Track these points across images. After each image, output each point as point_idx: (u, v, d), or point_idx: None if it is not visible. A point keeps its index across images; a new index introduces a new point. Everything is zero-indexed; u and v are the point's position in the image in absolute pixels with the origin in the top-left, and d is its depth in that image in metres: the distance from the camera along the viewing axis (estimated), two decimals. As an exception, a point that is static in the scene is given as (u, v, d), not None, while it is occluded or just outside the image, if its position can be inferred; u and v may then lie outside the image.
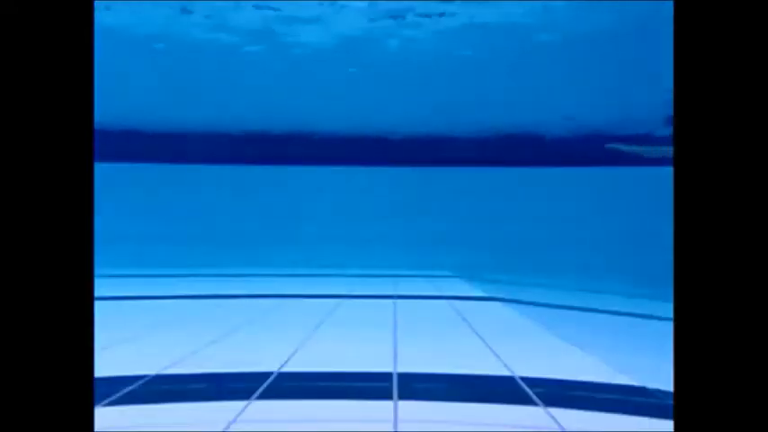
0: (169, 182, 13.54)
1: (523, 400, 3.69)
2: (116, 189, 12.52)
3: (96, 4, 2.11)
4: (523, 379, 4.14)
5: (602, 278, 11.76)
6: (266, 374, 4.12)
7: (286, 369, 4.34)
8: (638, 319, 7.84)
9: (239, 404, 3.44)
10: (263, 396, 3.65)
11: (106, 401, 3.47)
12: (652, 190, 14.03)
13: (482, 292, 9.95)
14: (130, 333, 5.74)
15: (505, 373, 4.35)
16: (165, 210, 14.29)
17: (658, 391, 3.92)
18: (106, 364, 4.06)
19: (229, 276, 11.95)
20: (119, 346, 5.12)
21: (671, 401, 2.72)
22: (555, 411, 3.42)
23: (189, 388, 3.94)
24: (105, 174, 6.20)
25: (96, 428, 2.02)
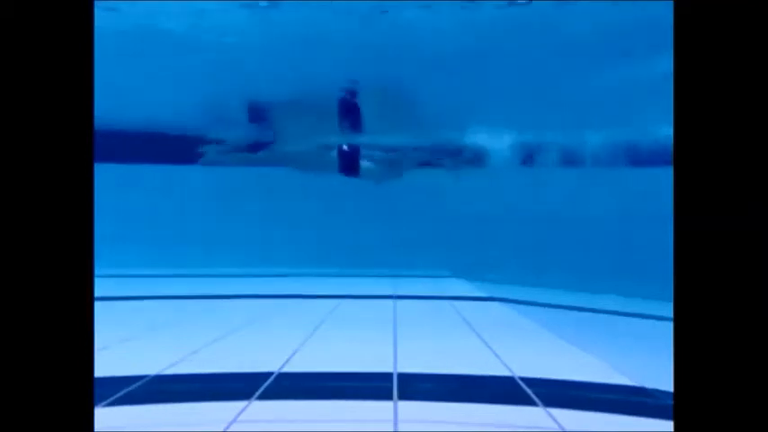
0: (166, 181, 13.51)
1: (523, 400, 3.69)
2: (115, 189, 12.45)
3: (97, 4, 2.11)
4: (523, 379, 4.14)
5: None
6: (266, 374, 4.13)
7: (286, 369, 4.34)
8: (638, 320, 7.85)
9: (239, 404, 3.44)
10: (263, 396, 3.65)
11: (106, 401, 3.47)
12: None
13: (482, 292, 9.95)
14: (130, 333, 5.75)
15: (505, 373, 4.35)
16: (164, 209, 14.23)
17: (658, 391, 3.92)
18: (106, 364, 4.06)
19: (229, 276, 11.96)
20: (118, 346, 5.12)
21: (671, 401, 2.72)
22: (555, 411, 3.42)
23: (189, 388, 3.94)
24: (105, 174, 6.19)
25: (96, 428, 2.02)
